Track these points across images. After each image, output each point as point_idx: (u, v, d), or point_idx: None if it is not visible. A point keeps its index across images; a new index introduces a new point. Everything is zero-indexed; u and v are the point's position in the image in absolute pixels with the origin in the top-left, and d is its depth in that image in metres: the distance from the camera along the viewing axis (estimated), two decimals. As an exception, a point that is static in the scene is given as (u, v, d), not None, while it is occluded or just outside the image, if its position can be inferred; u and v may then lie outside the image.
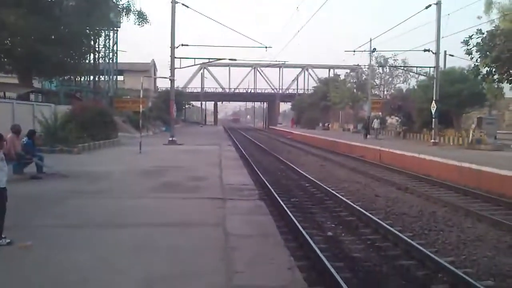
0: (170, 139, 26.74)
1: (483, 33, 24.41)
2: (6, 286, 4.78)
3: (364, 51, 39.38)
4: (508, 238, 9.05)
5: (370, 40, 38.98)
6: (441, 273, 6.99)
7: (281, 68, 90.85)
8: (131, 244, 6.25)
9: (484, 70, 25.52)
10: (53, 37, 27.00)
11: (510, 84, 25.11)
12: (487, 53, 24.02)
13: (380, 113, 41.86)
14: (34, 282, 4.87)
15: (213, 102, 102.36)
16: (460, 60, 30.61)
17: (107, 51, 42.40)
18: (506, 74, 24.40)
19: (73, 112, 24.16)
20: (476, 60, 25.49)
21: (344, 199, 12.46)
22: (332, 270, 6.59)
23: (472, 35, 24.85)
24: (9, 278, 5.00)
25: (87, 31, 30.12)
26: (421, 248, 7.91)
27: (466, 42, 25.17)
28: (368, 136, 35.86)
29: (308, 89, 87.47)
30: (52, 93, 34.99)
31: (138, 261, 5.57)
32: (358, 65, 51.35)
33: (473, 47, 24.95)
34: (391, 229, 9.20)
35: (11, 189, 6.66)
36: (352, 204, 11.75)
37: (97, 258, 5.67)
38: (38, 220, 7.60)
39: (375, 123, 37.03)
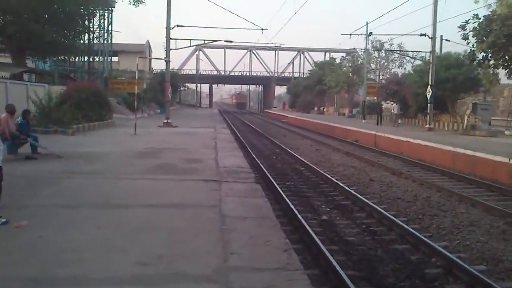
0: (165, 121, 26.64)
1: (480, 18, 24.27)
2: (1, 264, 4.76)
3: (360, 34, 39.36)
4: (501, 223, 9.13)
5: (367, 24, 38.88)
6: (434, 258, 7.04)
7: (276, 51, 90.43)
8: (127, 225, 6.24)
9: (480, 56, 25.42)
10: (46, 16, 26.64)
11: (505, 70, 25.03)
12: (484, 38, 23.91)
13: (375, 98, 41.66)
14: (29, 261, 4.86)
15: (208, 85, 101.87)
16: (456, 45, 30.56)
17: (102, 32, 41.81)
18: (501, 60, 24.30)
19: (67, 92, 23.96)
20: (472, 45, 25.37)
21: (339, 183, 12.50)
22: (327, 253, 6.62)
23: (468, 20, 24.70)
24: (4, 256, 4.98)
25: (81, 10, 29.72)
26: (415, 232, 7.96)
27: (462, 27, 25.01)
28: (380, 123, 32.88)
29: (303, 73, 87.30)
30: (46, 73, 34.64)
31: (134, 242, 5.57)
32: (354, 49, 51.30)
33: (469, 32, 24.80)
34: (386, 213, 9.25)
35: (6, 169, 6.62)
36: (347, 188, 11.79)
37: (92, 238, 5.66)
38: (33, 200, 7.57)
39: (395, 108, 33.44)
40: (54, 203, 7.40)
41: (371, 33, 39.04)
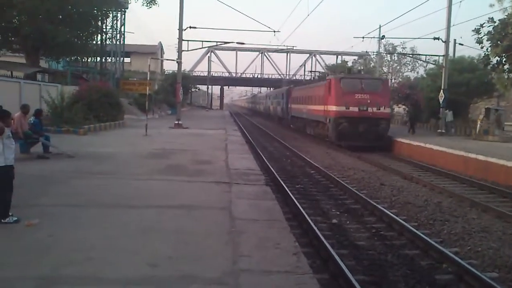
0: (176, 122, 26.69)
1: (495, 22, 24.07)
2: (13, 263, 4.80)
3: (373, 37, 39.05)
4: (513, 230, 9.02)
5: (380, 27, 38.69)
6: (445, 264, 6.97)
7: (288, 54, 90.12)
8: (137, 225, 6.27)
9: (494, 60, 25.23)
10: (60, 16, 26.90)
11: (520, 74, 24.87)
12: (498, 42, 23.72)
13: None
14: (40, 260, 4.89)
15: (219, 86, 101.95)
16: (469, 49, 30.30)
17: (115, 33, 42.06)
18: (516, 65, 24.13)
19: (79, 93, 24.15)
20: (487, 49, 25.19)
21: (349, 187, 12.45)
22: (337, 257, 6.59)
23: (483, 24, 24.54)
24: (15, 255, 5.01)
25: (95, 11, 29.95)
26: (426, 238, 7.89)
27: (477, 31, 24.85)
28: (413, 131, 27.11)
29: (315, 76, 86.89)
30: (59, 74, 34.93)
31: (143, 242, 5.59)
32: (366, 52, 51.02)
33: (484, 35, 24.63)
34: (396, 218, 9.19)
35: (18, 167, 6.68)
36: (357, 192, 11.73)
37: (102, 238, 5.69)
38: (44, 199, 7.63)
39: (448, 115, 27.66)
40: (64, 202, 7.46)
41: (383, 36, 38.68)
